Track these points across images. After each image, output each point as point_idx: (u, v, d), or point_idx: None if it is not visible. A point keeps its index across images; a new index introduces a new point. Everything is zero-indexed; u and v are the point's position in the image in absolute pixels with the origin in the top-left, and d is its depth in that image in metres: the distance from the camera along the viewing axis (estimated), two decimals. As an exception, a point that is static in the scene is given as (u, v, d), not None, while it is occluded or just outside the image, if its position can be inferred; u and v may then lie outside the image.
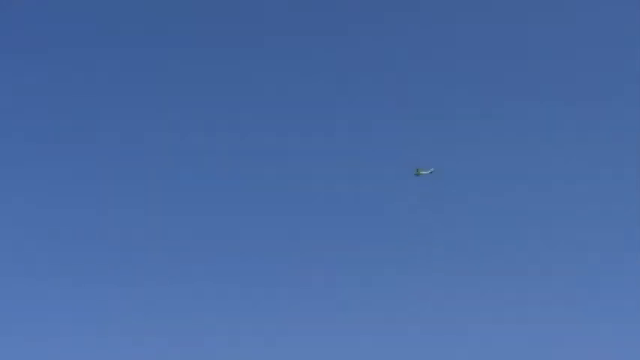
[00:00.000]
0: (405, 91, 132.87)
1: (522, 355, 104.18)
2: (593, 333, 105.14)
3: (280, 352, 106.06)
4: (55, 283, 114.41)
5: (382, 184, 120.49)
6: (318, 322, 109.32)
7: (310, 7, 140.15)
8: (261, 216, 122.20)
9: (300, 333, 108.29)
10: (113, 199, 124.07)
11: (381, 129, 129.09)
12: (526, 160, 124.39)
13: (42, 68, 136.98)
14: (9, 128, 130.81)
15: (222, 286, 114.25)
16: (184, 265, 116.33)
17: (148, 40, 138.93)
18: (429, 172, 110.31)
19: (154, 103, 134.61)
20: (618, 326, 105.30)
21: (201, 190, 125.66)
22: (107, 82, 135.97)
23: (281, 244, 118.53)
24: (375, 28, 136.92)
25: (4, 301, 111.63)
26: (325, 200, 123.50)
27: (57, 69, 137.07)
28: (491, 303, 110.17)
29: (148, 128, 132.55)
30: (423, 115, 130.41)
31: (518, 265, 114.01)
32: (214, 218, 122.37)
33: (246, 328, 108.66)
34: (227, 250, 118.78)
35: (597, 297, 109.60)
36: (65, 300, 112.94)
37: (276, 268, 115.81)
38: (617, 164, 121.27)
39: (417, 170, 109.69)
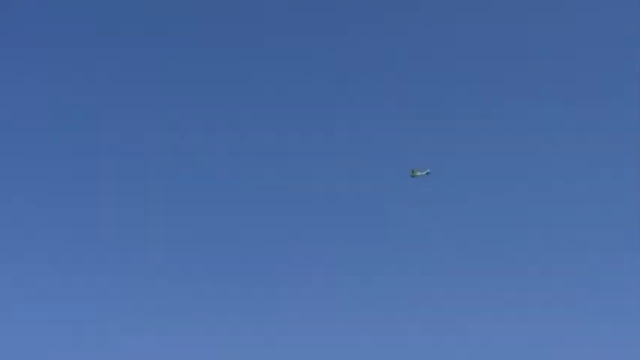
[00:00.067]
0: (405, 91, 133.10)
1: (522, 355, 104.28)
2: (593, 333, 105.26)
3: (280, 352, 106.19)
4: (55, 283, 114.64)
5: (382, 184, 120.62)
6: (318, 322, 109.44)
7: (310, 7, 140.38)
8: (261, 216, 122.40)
9: (300, 333, 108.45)
10: (113, 199, 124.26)
11: (381, 129, 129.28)
12: (526, 160, 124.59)
13: (42, 68, 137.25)
14: (9, 128, 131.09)
15: (222, 286, 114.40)
16: (184, 265, 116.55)
17: (148, 40, 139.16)
18: (424, 173, 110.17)
19: (154, 103, 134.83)
20: (618, 326, 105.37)
21: (201, 190, 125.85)
22: (107, 82, 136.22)
23: (281, 244, 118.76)
24: (375, 28, 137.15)
25: (4, 301, 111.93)
26: (325, 200, 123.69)
27: (57, 69, 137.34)
28: (491, 303, 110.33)
29: (148, 128, 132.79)
30: (423, 115, 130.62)
31: (518, 265, 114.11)
32: (214, 218, 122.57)
33: (246, 328, 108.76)
34: (227, 250, 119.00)
35: (597, 297, 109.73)
36: (65, 300, 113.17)
37: (276, 268, 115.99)
38: (617, 164, 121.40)
39: (413, 171, 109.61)
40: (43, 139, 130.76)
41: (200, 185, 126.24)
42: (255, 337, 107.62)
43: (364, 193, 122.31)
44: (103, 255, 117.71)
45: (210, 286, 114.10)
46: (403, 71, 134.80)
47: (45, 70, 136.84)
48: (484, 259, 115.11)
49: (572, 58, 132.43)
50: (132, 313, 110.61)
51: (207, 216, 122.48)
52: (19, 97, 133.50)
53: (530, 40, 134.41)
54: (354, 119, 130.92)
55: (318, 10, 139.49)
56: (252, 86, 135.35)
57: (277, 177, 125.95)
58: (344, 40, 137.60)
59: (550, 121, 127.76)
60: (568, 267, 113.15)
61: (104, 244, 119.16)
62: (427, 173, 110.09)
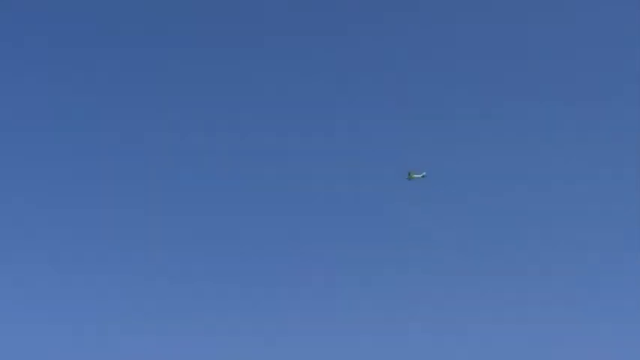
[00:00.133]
0: (405, 91, 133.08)
1: (522, 355, 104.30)
2: (593, 333, 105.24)
3: (280, 352, 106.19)
4: (55, 283, 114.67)
5: (382, 184, 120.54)
6: (318, 322, 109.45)
7: (310, 7, 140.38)
8: (261, 216, 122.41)
9: (300, 333, 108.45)
10: (113, 199, 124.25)
11: (381, 129, 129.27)
12: (526, 160, 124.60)
13: (42, 68, 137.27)
14: (9, 128, 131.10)
15: (222, 286, 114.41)
16: (184, 265, 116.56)
17: (148, 40, 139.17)
18: (421, 175, 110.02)
19: (154, 103, 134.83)
20: (618, 326, 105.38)
21: (201, 190, 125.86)
22: (107, 82, 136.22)
23: (281, 244, 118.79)
24: (375, 28, 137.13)
25: (4, 301, 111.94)
26: (325, 200, 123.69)
27: (57, 69, 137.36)
28: (491, 303, 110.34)
29: (148, 128, 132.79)
30: (422, 115, 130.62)
31: (518, 265, 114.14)
32: (214, 218, 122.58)
33: (246, 328, 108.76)
34: (227, 250, 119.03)
35: (597, 297, 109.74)
36: (65, 300, 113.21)
37: (276, 268, 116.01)
38: (617, 164, 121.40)
39: (410, 174, 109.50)
40: (43, 139, 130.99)
41: (200, 185, 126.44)
42: (255, 337, 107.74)
43: (364, 193, 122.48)
44: (103, 255, 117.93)
45: (210, 286, 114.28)
46: (403, 71, 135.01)
47: (45, 70, 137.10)
48: (484, 259, 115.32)
49: (572, 58, 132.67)
50: (132, 313, 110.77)
51: (207, 216, 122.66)
52: (19, 97, 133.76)
53: (530, 40, 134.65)
54: (354, 119, 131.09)
55: (318, 10, 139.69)
56: (252, 86, 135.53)
57: (277, 177, 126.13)
58: (344, 40, 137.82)
59: (550, 121, 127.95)
60: (568, 267, 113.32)
61: (104, 244, 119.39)
62: (423, 176, 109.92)
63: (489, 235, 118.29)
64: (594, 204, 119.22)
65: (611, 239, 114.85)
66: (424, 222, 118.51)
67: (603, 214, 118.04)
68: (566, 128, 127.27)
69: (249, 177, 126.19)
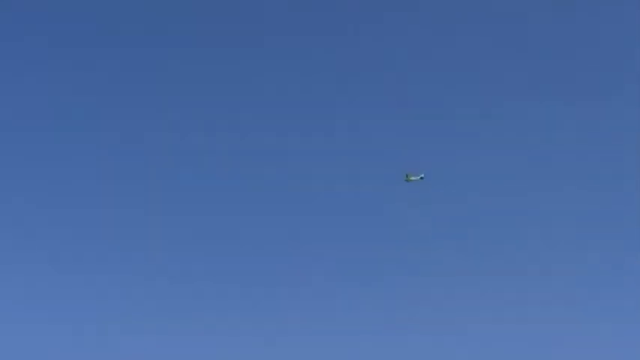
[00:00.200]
0: (405, 91, 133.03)
1: (522, 355, 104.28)
2: (593, 333, 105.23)
3: (280, 352, 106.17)
4: (55, 283, 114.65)
5: (382, 184, 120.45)
6: (318, 322, 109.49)
7: (310, 7, 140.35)
8: (261, 216, 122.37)
9: (300, 333, 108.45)
10: (113, 199, 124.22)
11: (381, 129, 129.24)
12: (526, 160, 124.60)
13: (42, 68, 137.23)
14: (9, 128, 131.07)
15: (222, 286, 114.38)
16: (184, 265, 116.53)
17: (148, 40, 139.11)
18: (418, 177, 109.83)
19: (154, 103, 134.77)
20: (618, 326, 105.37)
21: (201, 190, 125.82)
22: (107, 82, 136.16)
23: (281, 244, 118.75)
24: (375, 28, 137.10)
25: (4, 301, 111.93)
26: (325, 200, 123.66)
27: (57, 69, 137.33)
28: (491, 303, 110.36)
29: (148, 128, 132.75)
30: (423, 115, 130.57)
31: (518, 265, 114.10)
32: (214, 218, 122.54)
33: (246, 328, 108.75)
34: (227, 250, 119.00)
35: (597, 297, 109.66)
36: (65, 300, 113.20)
37: (276, 268, 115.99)
38: (617, 164, 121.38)
39: (407, 176, 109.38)
40: (43, 139, 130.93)
41: (200, 185, 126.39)
42: (255, 337, 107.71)
43: (364, 194, 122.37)
44: (103, 255, 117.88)
45: (210, 286, 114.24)
46: (403, 71, 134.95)
47: (45, 70, 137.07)
48: (484, 259, 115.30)
49: (573, 58, 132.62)
50: (132, 313, 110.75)
51: (207, 216, 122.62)
52: (19, 97, 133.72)
53: (530, 40, 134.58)
54: (354, 119, 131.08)
55: (318, 10, 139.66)
56: (252, 86, 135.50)
57: (277, 177, 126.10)
58: (344, 40, 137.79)
59: (550, 121, 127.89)
60: (568, 267, 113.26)
61: (104, 244, 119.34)
62: (421, 178, 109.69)
63: (489, 235, 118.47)
64: (594, 204, 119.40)
65: (611, 239, 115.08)
66: (424, 222, 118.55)
67: (603, 214, 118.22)
68: (566, 128, 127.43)
69: (249, 177, 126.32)
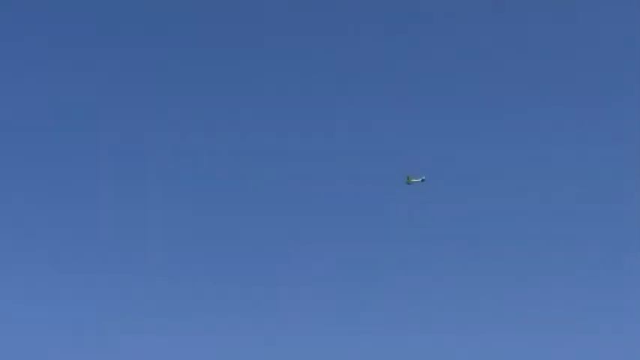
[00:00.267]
0: (405, 91, 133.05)
1: (522, 355, 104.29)
2: (594, 333, 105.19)
3: (280, 352, 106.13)
4: (55, 283, 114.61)
5: (382, 184, 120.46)
6: (318, 322, 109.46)
7: (310, 7, 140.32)
8: (261, 216, 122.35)
9: (300, 333, 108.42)
10: (113, 199, 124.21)
11: (382, 129, 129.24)
12: (526, 161, 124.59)
13: (42, 68, 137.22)
14: (9, 128, 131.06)
15: (222, 286, 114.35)
16: (184, 265, 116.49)
17: (148, 40, 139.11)
18: (420, 179, 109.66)
19: (154, 103, 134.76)
20: (618, 326, 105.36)
21: (201, 190, 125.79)
22: (107, 82, 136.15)
23: (281, 244, 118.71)
24: (375, 28, 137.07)
25: (4, 301, 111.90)
26: (325, 200, 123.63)
27: (57, 69, 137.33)
28: (491, 303, 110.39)
29: (148, 128, 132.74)
30: (423, 115, 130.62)
31: (519, 265, 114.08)
32: (214, 218, 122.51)
33: (246, 328, 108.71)
34: (227, 250, 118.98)
35: (598, 297, 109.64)
36: (65, 300, 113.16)
37: (276, 268, 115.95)
38: (617, 164, 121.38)
39: (408, 178, 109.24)
40: (43, 139, 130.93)
41: (200, 185, 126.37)
42: (255, 337, 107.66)
43: (364, 193, 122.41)
44: (103, 255, 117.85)
45: (210, 286, 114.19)
46: (403, 71, 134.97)
47: (45, 70, 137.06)
48: (484, 259, 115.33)
49: (573, 58, 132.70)
50: (132, 313, 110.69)
51: (207, 216, 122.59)
52: (19, 97, 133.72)
53: (530, 40, 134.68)
54: (354, 119, 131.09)
55: (318, 10, 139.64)
56: (252, 86, 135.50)
57: (277, 177, 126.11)
58: (344, 40, 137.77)
59: (550, 121, 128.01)
60: (568, 267, 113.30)
61: (104, 244, 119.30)
62: (422, 180, 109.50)
63: (489, 236, 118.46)
64: (594, 204, 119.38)
65: (611, 239, 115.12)
66: (424, 222, 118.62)
67: (603, 214, 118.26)
68: (567, 128, 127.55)
69: (249, 177, 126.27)
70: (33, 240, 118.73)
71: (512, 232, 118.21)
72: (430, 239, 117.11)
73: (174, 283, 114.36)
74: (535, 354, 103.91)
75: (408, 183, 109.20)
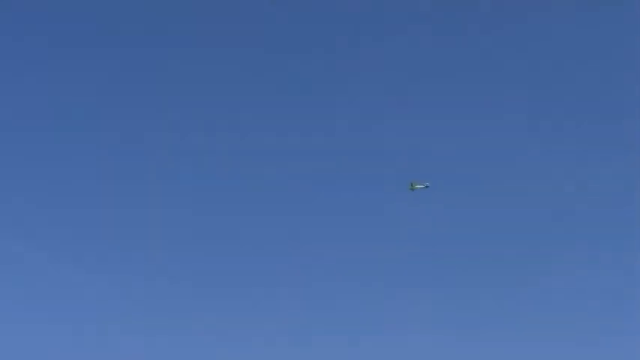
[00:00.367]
0: (406, 91, 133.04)
1: (522, 355, 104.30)
2: (594, 333, 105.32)
3: (280, 352, 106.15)
4: (55, 283, 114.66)
5: (382, 184, 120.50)
6: (318, 322, 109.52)
7: (310, 7, 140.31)
8: (261, 216, 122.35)
9: (300, 333, 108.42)
10: (113, 199, 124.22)
11: (382, 129, 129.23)
12: (526, 161, 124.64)
13: (42, 68, 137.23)
14: (9, 128, 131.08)
15: (222, 286, 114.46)
16: (184, 265, 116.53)
17: (148, 40, 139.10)
18: (424, 185, 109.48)
19: (154, 103, 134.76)
20: (618, 326, 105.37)
21: (201, 190, 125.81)
22: (107, 82, 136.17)
23: (281, 244, 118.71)
24: (375, 28, 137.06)
25: (4, 301, 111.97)
26: (325, 200, 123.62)
27: (57, 69, 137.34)
28: (491, 303, 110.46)
29: (148, 128, 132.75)
30: (423, 115, 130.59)
31: (519, 265, 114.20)
32: (214, 218, 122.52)
33: (246, 328, 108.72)
34: (227, 250, 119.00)
35: (599, 297, 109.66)
36: (65, 300, 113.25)
37: (276, 268, 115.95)
38: (617, 164, 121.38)
39: (412, 184, 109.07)
40: (43, 139, 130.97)
41: (200, 185, 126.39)
42: (255, 337, 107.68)
43: (364, 193, 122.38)
44: (103, 255, 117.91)
45: (210, 286, 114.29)
46: (403, 71, 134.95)
47: (45, 70, 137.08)
48: (484, 260, 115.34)
49: (574, 58, 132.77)
50: (132, 313, 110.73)
51: (207, 216, 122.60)
52: (19, 97, 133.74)
53: (531, 40, 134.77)
54: (354, 119, 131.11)
55: (318, 10, 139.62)
56: (252, 86, 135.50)
57: (277, 177, 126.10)
58: (344, 40, 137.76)
59: (550, 120, 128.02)
60: (568, 267, 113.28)
61: (104, 244, 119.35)
62: (427, 186, 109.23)
63: (490, 236, 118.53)
64: (595, 206, 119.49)
65: (612, 239, 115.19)
66: (425, 223, 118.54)
67: (603, 214, 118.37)
68: (566, 128, 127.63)
69: (249, 177, 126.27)
70: (33, 240, 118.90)
71: (513, 233, 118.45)
72: (430, 239, 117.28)
73: (174, 283, 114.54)
74: (535, 354, 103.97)
75: (412, 189, 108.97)
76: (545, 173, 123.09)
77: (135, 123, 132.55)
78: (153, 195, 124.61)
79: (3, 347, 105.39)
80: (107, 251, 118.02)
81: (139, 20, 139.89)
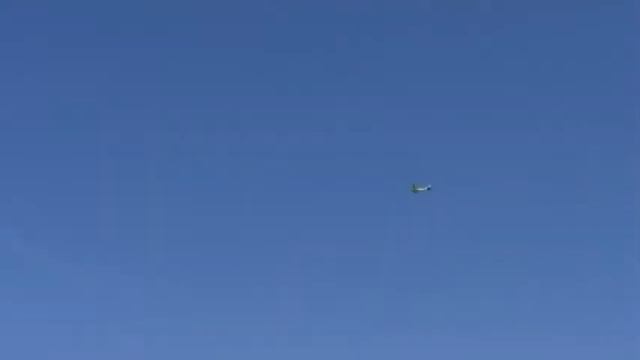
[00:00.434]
0: (405, 91, 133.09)
1: (522, 355, 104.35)
2: (594, 333, 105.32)
3: (280, 352, 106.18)
4: (55, 283, 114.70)
5: (382, 184, 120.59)
6: (318, 322, 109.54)
7: (310, 7, 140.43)
8: (261, 216, 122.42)
9: (300, 333, 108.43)
10: (113, 199, 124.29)
11: (382, 129, 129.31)
12: (526, 162, 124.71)
13: (42, 68, 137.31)
14: (9, 128, 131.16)
15: (222, 286, 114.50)
16: (184, 265, 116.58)
17: (148, 40, 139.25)
18: (425, 188, 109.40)
19: (154, 103, 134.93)
20: (618, 326, 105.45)
21: (201, 190, 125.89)
22: (107, 82, 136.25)
23: (281, 244, 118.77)
24: (375, 28, 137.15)
25: (4, 301, 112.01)
26: (325, 200, 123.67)
27: (57, 69, 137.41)
28: (491, 303, 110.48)
29: (148, 128, 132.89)
30: (423, 115, 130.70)
31: (519, 266, 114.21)
32: (214, 218, 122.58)
33: (246, 328, 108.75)
34: (227, 250, 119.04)
35: (598, 297, 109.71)
36: (65, 300, 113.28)
37: (276, 268, 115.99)
38: (617, 164, 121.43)
39: (414, 187, 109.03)
40: (43, 139, 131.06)
41: (200, 185, 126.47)
42: (255, 337, 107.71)
43: (364, 194, 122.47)
44: (103, 255, 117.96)
45: (210, 286, 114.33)
46: (403, 71, 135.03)
47: (45, 70, 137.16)
48: (485, 260, 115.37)
49: (574, 58, 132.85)
50: (132, 313, 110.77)
51: (207, 216, 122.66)
52: (19, 97, 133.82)
53: (532, 40, 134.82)
54: (354, 119, 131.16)
55: (318, 10, 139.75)
56: (252, 86, 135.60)
57: (277, 177, 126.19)
58: (344, 40, 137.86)
59: (550, 123, 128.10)
60: (568, 268, 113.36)
61: (104, 243, 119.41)
62: (428, 189, 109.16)
63: (490, 236, 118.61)
64: (596, 209, 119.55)
65: (611, 239, 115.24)
66: (425, 222, 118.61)
67: (603, 214, 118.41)
68: (566, 130, 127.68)
69: (249, 177, 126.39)
70: (33, 240, 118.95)
71: (514, 234, 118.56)
72: (430, 239, 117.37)
73: (174, 283, 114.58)
74: (535, 354, 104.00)
75: (414, 192, 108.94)
76: (545, 173, 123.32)
77: (135, 123, 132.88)
78: (153, 195, 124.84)
79: (3, 347, 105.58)
80: (107, 251, 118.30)
81: (139, 20, 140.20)
